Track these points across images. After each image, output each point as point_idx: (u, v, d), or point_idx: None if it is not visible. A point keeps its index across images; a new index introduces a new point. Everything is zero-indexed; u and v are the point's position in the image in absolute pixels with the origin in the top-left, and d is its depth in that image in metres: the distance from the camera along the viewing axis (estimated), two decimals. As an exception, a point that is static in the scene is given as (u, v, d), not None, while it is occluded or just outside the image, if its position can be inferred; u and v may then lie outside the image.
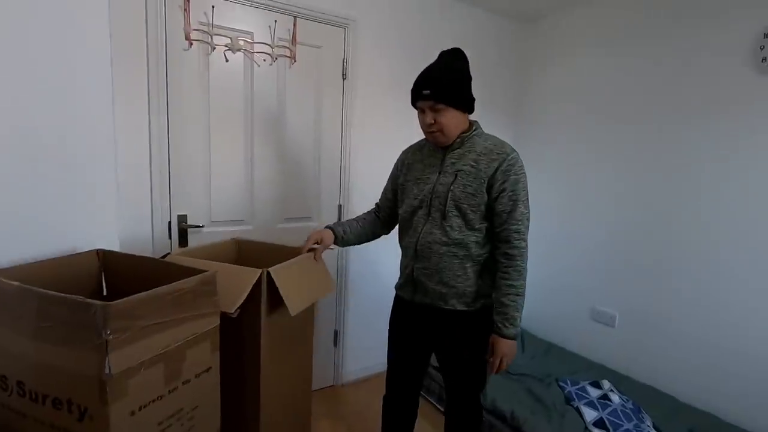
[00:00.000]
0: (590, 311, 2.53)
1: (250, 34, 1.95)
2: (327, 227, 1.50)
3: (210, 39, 1.85)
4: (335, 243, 1.49)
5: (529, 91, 2.89)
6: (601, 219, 2.48)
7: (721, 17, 1.96)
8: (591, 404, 1.96)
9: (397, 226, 1.56)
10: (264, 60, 2.00)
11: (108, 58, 1.22)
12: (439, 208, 1.34)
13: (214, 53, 1.87)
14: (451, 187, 1.32)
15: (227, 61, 1.91)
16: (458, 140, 1.36)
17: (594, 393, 2.05)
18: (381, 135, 2.37)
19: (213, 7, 1.82)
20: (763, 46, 1.82)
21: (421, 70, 1.35)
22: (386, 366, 1.59)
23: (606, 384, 2.13)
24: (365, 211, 1.65)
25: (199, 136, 1.91)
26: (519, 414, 1.86)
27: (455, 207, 1.31)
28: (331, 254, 2.13)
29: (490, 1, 2.53)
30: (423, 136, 1.44)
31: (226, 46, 1.89)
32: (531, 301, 2.81)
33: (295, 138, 2.15)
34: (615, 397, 2.01)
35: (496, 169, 1.29)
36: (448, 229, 1.33)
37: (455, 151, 1.36)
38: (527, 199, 1.33)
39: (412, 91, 1.35)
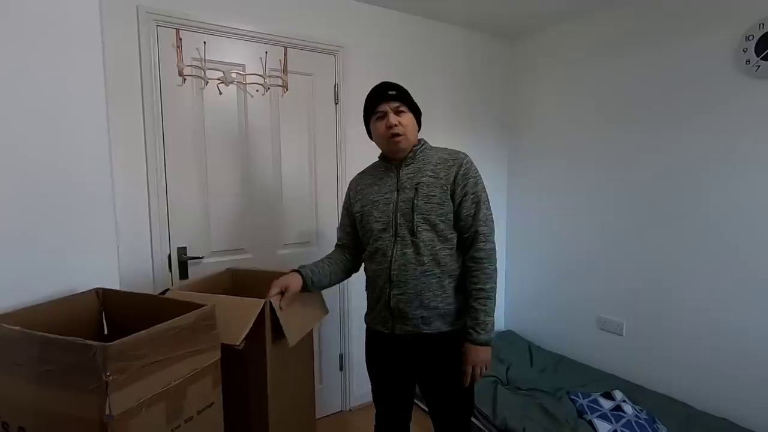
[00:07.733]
0: (597, 320, 2.50)
1: (242, 66, 1.99)
2: (294, 270, 1.37)
3: (203, 74, 1.89)
4: (304, 288, 1.35)
5: (522, 101, 2.90)
6: (600, 226, 2.47)
7: (703, 23, 1.99)
8: (604, 417, 1.92)
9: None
10: (257, 90, 2.03)
11: (102, 98, 1.24)
12: (407, 226, 1.29)
13: (207, 87, 1.91)
14: (415, 201, 1.28)
15: (221, 93, 1.95)
16: (410, 154, 1.35)
17: (606, 405, 2.01)
18: (375, 154, 2.38)
19: (205, 43, 1.87)
20: (746, 49, 1.85)
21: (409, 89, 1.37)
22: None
23: (618, 395, 2.09)
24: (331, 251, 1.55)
25: (196, 168, 1.93)
26: None
27: (424, 220, 1.27)
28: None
29: (469, 19, 2.57)
30: None
31: (219, 79, 1.93)
32: (536, 313, 2.86)
33: (291, 164, 2.18)
34: (628, 408, 1.97)
35: (456, 174, 1.29)
36: (420, 245, 1.27)
37: (410, 166, 1.34)
38: (488, 199, 1.32)
39: (373, 95, 1.35)
